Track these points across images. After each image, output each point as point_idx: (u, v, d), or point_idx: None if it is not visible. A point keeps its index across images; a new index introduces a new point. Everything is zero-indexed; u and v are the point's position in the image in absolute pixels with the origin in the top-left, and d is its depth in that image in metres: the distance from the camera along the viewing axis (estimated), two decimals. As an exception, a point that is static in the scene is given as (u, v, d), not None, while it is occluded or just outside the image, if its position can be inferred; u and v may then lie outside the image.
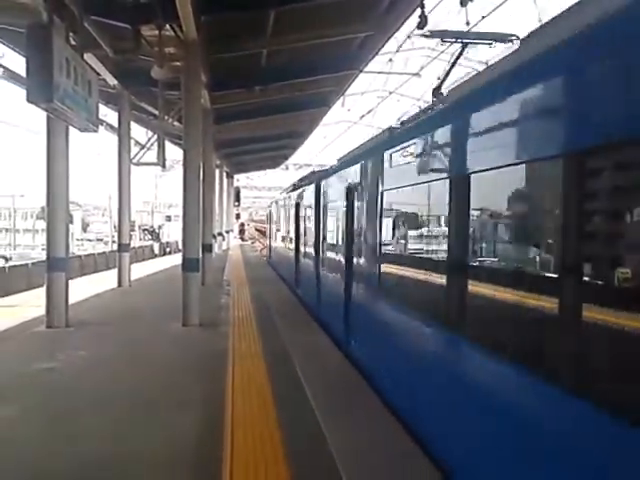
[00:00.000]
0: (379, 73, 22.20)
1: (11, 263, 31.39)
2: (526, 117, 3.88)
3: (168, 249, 49.51)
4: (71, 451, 5.15)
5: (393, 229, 6.98)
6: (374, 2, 13.55)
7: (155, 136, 16.70)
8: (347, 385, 7.25)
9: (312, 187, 13.54)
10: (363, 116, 26.83)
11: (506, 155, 4.02)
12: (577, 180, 3.28)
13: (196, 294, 11.40)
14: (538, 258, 3.83)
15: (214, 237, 25.67)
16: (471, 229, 4.66)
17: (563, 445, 3.28)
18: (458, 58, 7.58)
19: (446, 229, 5.12)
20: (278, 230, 23.84)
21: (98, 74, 12.85)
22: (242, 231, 65.62)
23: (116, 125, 18.00)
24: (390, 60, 20.62)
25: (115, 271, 17.88)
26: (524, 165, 3.89)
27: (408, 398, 5.89)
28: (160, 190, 73.06)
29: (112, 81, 15.80)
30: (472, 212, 4.60)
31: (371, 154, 8.21)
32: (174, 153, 34.19)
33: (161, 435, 5.56)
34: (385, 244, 7.19)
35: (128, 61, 14.85)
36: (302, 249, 15.76)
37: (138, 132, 21.33)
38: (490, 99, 4.44)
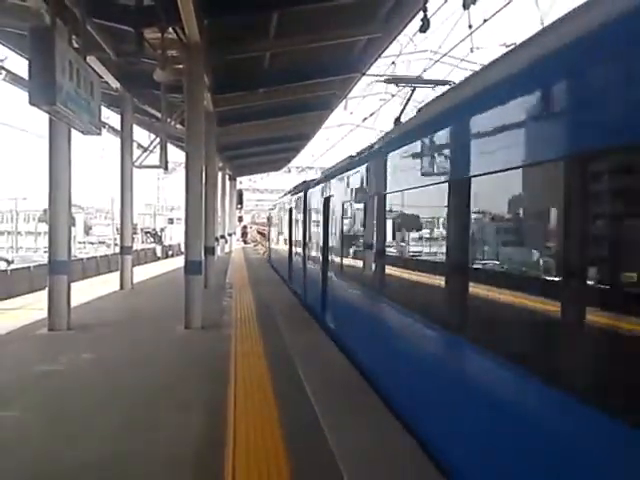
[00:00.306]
0: (381, 76, 22.19)
1: (13, 266, 31.43)
2: (424, 157, 5.82)
3: (170, 252, 49.54)
4: (72, 453, 5.13)
5: (349, 230, 9.65)
6: (377, 5, 13.57)
7: (157, 139, 16.70)
8: (348, 384, 7.23)
9: (301, 195, 15.81)
10: (366, 119, 26.81)
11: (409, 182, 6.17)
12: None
13: (198, 297, 11.39)
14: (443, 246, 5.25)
15: (216, 240, 25.69)
16: (380, 229, 7.45)
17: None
18: (410, 98, 9.80)
19: (372, 227, 7.81)
20: (275, 232, 26.67)
21: (101, 77, 12.87)
22: (244, 234, 65.61)
23: (119, 128, 18.03)
24: (393, 63, 20.64)
25: (117, 274, 17.89)
26: (418, 190, 5.89)
27: (359, 348, 8.47)
28: (162, 193, 73.22)
29: (115, 84, 15.83)
30: (386, 217, 7.17)
31: (336, 174, 10.88)
32: (176, 156, 34.26)
33: (163, 435, 5.56)
34: (346, 242, 9.82)
35: (131, 64, 14.86)
36: (293, 249, 18.29)
37: (140, 135, 21.42)
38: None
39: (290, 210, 19.22)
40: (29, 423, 5.94)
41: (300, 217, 16.30)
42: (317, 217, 12.97)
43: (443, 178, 5.09)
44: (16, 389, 7.14)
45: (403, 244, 6.66)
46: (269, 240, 32.18)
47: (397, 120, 9.33)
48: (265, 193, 77.28)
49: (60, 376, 7.72)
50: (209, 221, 18.46)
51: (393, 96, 23.68)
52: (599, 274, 3.15)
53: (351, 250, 9.51)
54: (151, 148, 17.24)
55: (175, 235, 61.31)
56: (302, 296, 15.30)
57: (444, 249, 5.09)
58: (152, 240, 57.23)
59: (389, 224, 7.16)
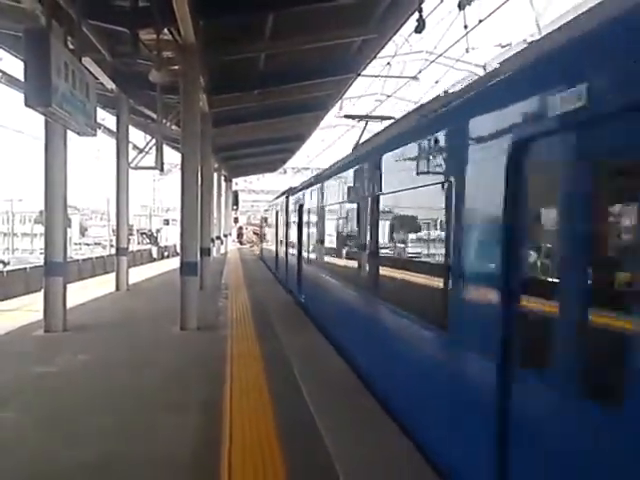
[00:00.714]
0: (377, 77, 22.22)
1: (9, 267, 31.38)
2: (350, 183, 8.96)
3: (166, 253, 49.53)
4: (68, 454, 5.15)
5: (311, 230, 13.33)
6: (372, 6, 13.59)
7: (153, 140, 16.70)
8: (344, 385, 7.25)
9: (284, 200, 19.75)
10: (361, 119, 26.79)
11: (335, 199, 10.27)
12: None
13: (194, 298, 11.40)
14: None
15: (212, 241, 25.66)
16: (324, 229, 11.67)
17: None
18: (363, 131, 12.28)
19: (321, 228, 11.90)
20: (264, 232, 32.92)
21: (96, 78, 12.88)
22: (240, 235, 65.51)
23: (114, 129, 18.02)
24: (388, 64, 20.65)
25: (113, 275, 17.88)
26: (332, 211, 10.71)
27: (321, 315, 11.60)
28: (158, 194, 73.11)
29: (110, 85, 15.82)
30: (327, 221, 11.40)
31: (306, 186, 14.60)
32: (172, 157, 34.22)
33: (160, 436, 5.57)
34: (310, 240, 13.50)
35: (126, 65, 14.86)
36: (278, 245, 22.31)
37: (136, 136, 21.38)
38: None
39: (276, 213, 23.37)
40: (25, 424, 5.94)
41: (282, 219, 20.42)
42: (294, 219, 16.58)
43: (357, 196, 8.36)
44: (12, 390, 7.15)
45: (339, 239, 10.27)
46: (261, 239, 37.35)
47: (355, 146, 11.29)
48: (261, 194, 77.21)
49: (56, 377, 7.72)
50: (205, 222, 18.45)
51: (389, 97, 23.73)
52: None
53: (312, 242, 13.26)
54: (147, 149, 17.23)
55: (171, 236, 61.28)
56: (283, 280, 19.74)
57: (359, 242, 8.18)
58: (148, 241, 57.18)
59: (330, 226, 11.08)
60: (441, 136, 5.00)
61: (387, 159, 6.79)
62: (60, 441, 5.48)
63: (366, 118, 13.21)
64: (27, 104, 8.10)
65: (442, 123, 5.12)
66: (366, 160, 7.88)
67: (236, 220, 62.42)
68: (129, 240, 19.95)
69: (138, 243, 56.57)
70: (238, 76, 17.73)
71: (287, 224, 18.90)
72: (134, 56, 12.73)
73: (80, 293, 15.84)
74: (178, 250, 14.63)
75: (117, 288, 17.19)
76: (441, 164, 5.03)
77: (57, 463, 4.97)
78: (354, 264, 8.50)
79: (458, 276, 4.46)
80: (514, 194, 3.62)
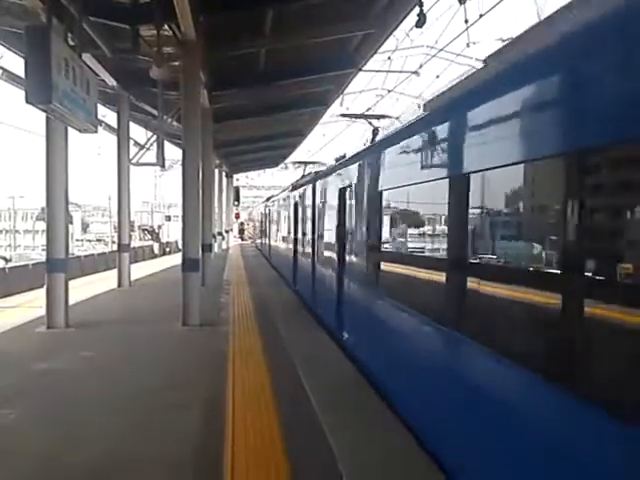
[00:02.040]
0: (378, 72, 22.17)
1: (11, 264, 31.41)
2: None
3: (168, 249, 49.52)
4: (72, 451, 5.17)
5: (279, 227, 20.60)
6: (372, 1, 13.54)
7: (154, 136, 16.67)
8: (347, 381, 7.25)
9: (266, 203, 28.36)
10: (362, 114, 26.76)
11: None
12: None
13: (196, 294, 11.40)
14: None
15: (214, 237, 25.65)
16: (289, 225, 18.48)
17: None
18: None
19: (285, 224, 19.55)
20: (262, 227, 35.77)
21: (97, 75, 12.85)
22: (242, 230, 65.49)
23: (115, 125, 18.01)
24: (389, 58, 20.60)
25: (115, 271, 17.90)
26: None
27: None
28: (159, 190, 73.16)
29: (111, 81, 15.81)
30: (295, 219, 16.94)
31: (276, 196, 24.07)
32: (173, 153, 34.14)
33: (163, 433, 5.59)
34: (279, 234, 21.36)
35: (127, 61, 14.84)
36: (271, 237, 27.46)
37: (137, 132, 21.35)
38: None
39: (269, 210, 28.64)
40: (28, 421, 5.96)
41: (266, 218, 28.94)
42: (273, 218, 26.03)
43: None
44: (15, 387, 7.16)
45: (301, 231, 14.31)
46: (260, 233, 39.10)
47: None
48: (262, 190, 77.18)
49: (59, 374, 7.74)
50: (206, 218, 18.46)
51: (389, 92, 23.69)
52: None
53: (279, 236, 21.22)
54: (148, 145, 17.20)
55: (172, 232, 61.31)
56: (269, 259, 28.10)
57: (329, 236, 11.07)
58: (149, 237, 57.17)
59: (296, 223, 16.20)
60: None
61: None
62: (62, 439, 5.49)
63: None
64: (28, 101, 8.10)
65: None
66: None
67: (237, 216, 62.39)
68: (131, 236, 19.97)
69: (140, 239, 56.59)
70: (239, 72, 17.70)
71: (270, 221, 27.35)
72: (134, 52, 12.69)
73: (82, 289, 15.86)
74: (180, 246, 14.63)
75: (119, 284, 17.21)
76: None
77: (59, 461, 4.99)
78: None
79: None
80: None
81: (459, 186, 4.70)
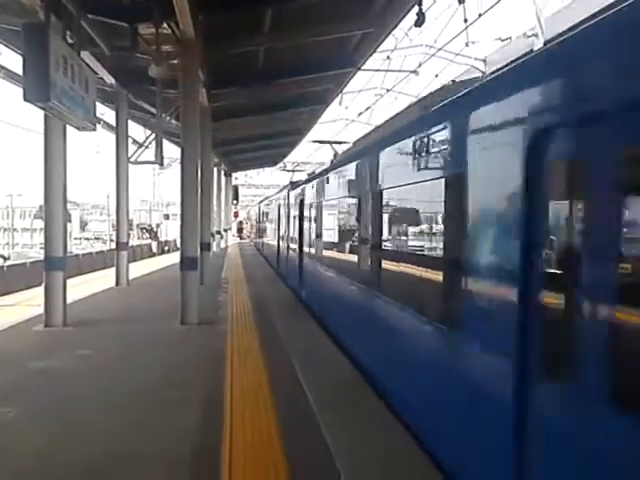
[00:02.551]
0: (377, 71, 22.16)
1: (9, 262, 31.38)
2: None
3: (166, 248, 49.50)
4: (70, 448, 5.17)
5: (266, 226, 29.17)
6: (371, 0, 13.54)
7: (153, 134, 16.66)
8: (345, 380, 7.24)
9: (258, 205, 35.63)
10: (361, 114, 26.77)
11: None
12: None
13: (194, 292, 11.40)
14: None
15: (212, 236, 25.65)
16: (273, 227, 25.02)
17: None
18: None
19: (271, 225, 26.19)
20: (257, 225, 40.63)
21: (95, 72, 12.83)
22: (240, 229, 65.49)
23: (114, 124, 17.99)
24: (388, 58, 20.58)
25: (113, 270, 17.89)
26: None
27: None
28: (158, 188, 73.07)
29: (110, 79, 15.79)
30: (277, 221, 22.95)
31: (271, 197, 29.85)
32: (172, 151, 34.17)
33: (161, 432, 5.58)
34: (267, 232, 28.50)
35: (125, 59, 14.83)
36: (263, 236, 32.69)
37: (136, 130, 21.33)
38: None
39: (262, 212, 33.18)
40: (26, 419, 5.95)
41: (257, 217, 35.46)
42: (262, 219, 33.04)
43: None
44: (13, 385, 7.15)
45: (280, 231, 20.29)
46: (257, 232, 43.64)
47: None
48: (261, 189, 77.13)
49: (57, 372, 7.73)
50: (205, 217, 18.46)
51: (388, 91, 23.67)
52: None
53: (267, 234, 27.75)
54: (146, 144, 17.18)
55: (171, 231, 61.26)
56: (260, 250, 34.04)
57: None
58: (148, 236, 57.15)
59: (278, 225, 21.38)
60: None
61: None
62: (60, 436, 5.49)
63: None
64: (26, 98, 8.09)
65: None
66: None
67: (236, 215, 62.37)
68: (129, 235, 19.95)
69: (138, 238, 56.57)
70: (237, 70, 17.70)
71: (261, 222, 34.93)
72: (133, 50, 12.68)
73: (80, 288, 15.85)
74: (178, 245, 14.61)
75: (117, 283, 17.20)
76: None
77: (57, 458, 4.99)
78: None
79: None
80: None
81: (361, 200, 7.97)
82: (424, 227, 5.63)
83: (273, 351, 8.84)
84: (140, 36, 12.49)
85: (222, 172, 40.69)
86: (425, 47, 20.24)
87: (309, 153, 52.35)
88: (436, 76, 21.41)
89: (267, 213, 28.92)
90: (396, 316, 6.17)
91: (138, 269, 22.10)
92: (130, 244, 22.32)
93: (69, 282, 11.32)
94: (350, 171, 8.99)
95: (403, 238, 6.40)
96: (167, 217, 68.20)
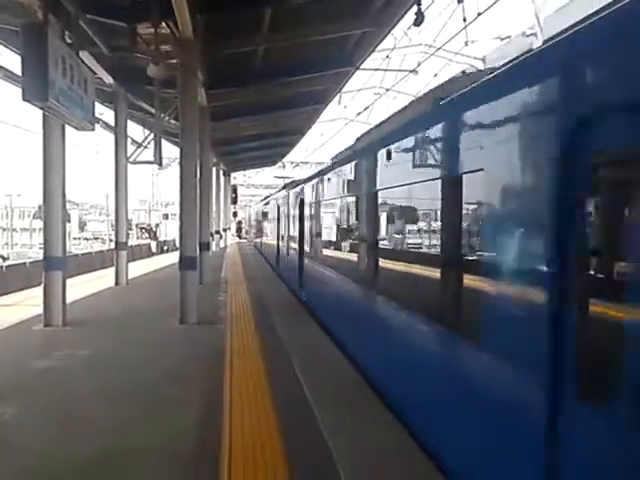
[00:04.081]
0: (376, 70, 22.15)
1: (9, 262, 31.37)
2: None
3: (165, 247, 49.53)
4: (68, 448, 5.17)
5: (261, 226, 32.46)
6: (370, -1, 13.55)
7: (152, 134, 16.67)
8: (343, 380, 7.24)
9: (262, 204, 33.50)
10: (360, 113, 26.77)
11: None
12: None
13: (193, 292, 11.40)
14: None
15: (211, 235, 25.67)
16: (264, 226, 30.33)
17: None
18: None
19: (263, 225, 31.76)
20: (257, 226, 41.14)
21: (94, 72, 12.81)
22: (239, 229, 65.52)
23: (113, 123, 17.99)
24: (387, 57, 20.57)
25: (112, 270, 17.89)
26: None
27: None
28: (157, 188, 73.00)
29: (108, 79, 15.78)
30: (266, 222, 29.35)
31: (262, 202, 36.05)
32: (171, 151, 34.16)
33: (158, 432, 5.58)
34: (262, 231, 32.28)
35: (124, 59, 14.83)
36: (262, 235, 33.05)
37: (135, 130, 21.33)
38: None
39: (261, 213, 34.00)
40: (26, 419, 5.95)
41: (257, 218, 35.94)
42: (258, 219, 36.89)
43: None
44: (12, 385, 7.16)
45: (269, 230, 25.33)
46: (256, 231, 45.69)
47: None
48: (260, 188, 77.10)
49: (56, 372, 7.74)
50: (204, 216, 18.46)
51: (387, 90, 23.67)
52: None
53: (264, 231, 30.00)
54: (145, 144, 17.20)
55: (170, 231, 61.24)
56: (263, 254, 31.30)
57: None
58: (147, 236, 57.20)
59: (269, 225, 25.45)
60: None
61: None
62: (60, 435, 5.49)
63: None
64: (25, 98, 8.09)
65: None
66: None
67: (235, 214, 62.40)
68: (128, 235, 19.95)
69: (137, 238, 56.57)
70: (236, 70, 17.69)
71: (257, 222, 37.65)
72: (132, 50, 12.70)
73: (79, 288, 15.85)
74: (177, 244, 14.62)
75: (116, 283, 17.19)
76: None
77: (56, 458, 4.99)
78: None
79: None
80: None
81: (337, 203, 10.09)
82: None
83: (272, 351, 8.84)
84: (139, 36, 12.49)
85: (221, 172, 40.69)
86: (424, 46, 20.25)
87: (309, 153, 52.41)
88: (435, 75, 21.40)
89: (266, 213, 29.22)
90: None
91: (137, 269, 22.09)
92: (129, 244, 22.32)
93: (68, 282, 11.32)
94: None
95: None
96: (166, 217, 68.17)
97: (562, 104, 3.20)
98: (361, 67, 18.61)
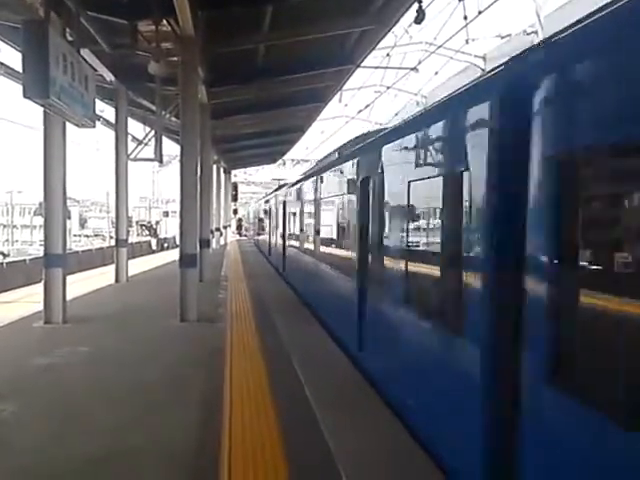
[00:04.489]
0: (376, 68, 22.16)
1: (9, 259, 31.39)
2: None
3: (166, 245, 49.52)
4: (67, 447, 5.18)
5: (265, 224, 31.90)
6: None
7: (152, 131, 16.67)
8: (344, 379, 7.25)
9: (261, 204, 35.02)
10: (360, 111, 26.81)
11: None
12: None
13: (194, 290, 11.41)
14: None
15: (212, 232, 25.69)
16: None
17: None
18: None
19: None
20: (254, 225, 44.00)
21: (95, 70, 12.83)
22: (240, 227, 65.52)
23: (113, 121, 17.99)
24: (387, 55, 20.58)
25: (113, 267, 17.90)
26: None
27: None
28: (157, 186, 73.01)
29: (109, 77, 15.78)
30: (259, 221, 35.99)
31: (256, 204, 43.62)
32: (171, 149, 34.18)
33: (159, 431, 5.58)
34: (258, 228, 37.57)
35: (125, 57, 14.83)
36: (260, 232, 34.63)
37: (135, 128, 21.33)
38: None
39: (252, 212, 40.05)
40: (26, 417, 5.96)
41: (262, 215, 33.38)
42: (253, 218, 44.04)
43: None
44: (12, 382, 7.16)
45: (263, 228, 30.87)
46: (255, 229, 47.84)
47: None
48: (260, 186, 77.08)
49: (57, 369, 7.74)
50: (204, 214, 18.46)
51: (388, 88, 23.68)
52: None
53: (259, 228, 34.98)
54: (146, 141, 17.19)
55: (170, 228, 61.28)
56: (260, 249, 33.60)
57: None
58: (147, 233, 57.16)
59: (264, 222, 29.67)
60: None
61: None
62: (60, 432, 5.50)
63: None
64: (25, 95, 8.09)
65: None
66: None
67: (235, 212, 62.39)
68: (128, 232, 19.96)
69: (137, 235, 56.55)
70: (237, 68, 17.69)
71: (254, 220, 41.15)
72: (133, 48, 12.69)
73: (80, 285, 15.86)
74: (177, 242, 14.62)
75: (117, 280, 17.21)
76: None
77: (55, 457, 4.99)
78: None
79: None
80: None
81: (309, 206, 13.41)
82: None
83: (272, 349, 8.85)
84: (140, 33, 12.49)
85: (221, 169, 40.69)
86: (425, 44, 20.26)
87: (309, 151, 52.39)
88: (436, 73, 21.43)
89: (267, 210, 30.88)
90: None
91: (137, 266, 22.10)
92: (129, 241, 22.33)
93: (69, 279, 11.33)
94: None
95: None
96: (166, 214, 68.21)
97: None
98: (362, 65, 18.61)
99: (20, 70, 8.82)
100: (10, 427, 5.67)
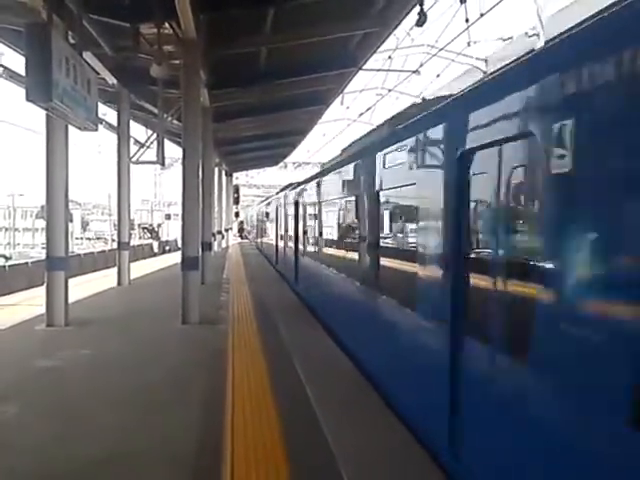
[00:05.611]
0: (378, 71, 22.19)
1: (11, 262, 31.43)
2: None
3: (167, 247, 49.59)
4: (69, 449, 5.18)
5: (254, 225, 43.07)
6: (373, -1, 13.55)
7: (154, 134, 16.69)
8: (345, 379, 7.25)
9: (258, 208, 40.56)
10: (362, 114, 26.81)
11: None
12: None
13: (195, 292, 11.42)
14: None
15: (213, 235, 25.70)
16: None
17: None
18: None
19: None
20: (255, 227, 46.00)
21: (97, 73, 12.83)
22: (241, 229, 65.57)
23: (115, 124, 18.01)
24: (389, 57, 20.60)
25: (115, 270, 17.91)
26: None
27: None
28: (159, 188, 73.09)
29: (111, 80, 15.80)
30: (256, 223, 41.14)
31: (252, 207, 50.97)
32: (173, 151, 34.21)
33: (161, 433, 5.59)
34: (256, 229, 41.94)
35: (127, 60, 14.84)
36: (260, 234, 36.09)
37: (137, 131, 21.35)
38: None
39: (252, 215, 42.99)
40: (28, 419, 5.96)
41: (261, 219, 34.94)
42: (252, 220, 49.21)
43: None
44: (15, 385, 7.17)
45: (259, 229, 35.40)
46: (256, 232, 49.12)
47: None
48: (262, 189, 77.15)
49: (59, 372, 7.75)
50: (206, 217, 18.47)
51: (390, 91, 23.69)
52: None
53: (260, 231, 36.03)
54: (148, 144, 17.22)
55: (172, 231, 61.34)
56: (259, 248, 36.40)
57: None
58: (149, 236, 57.23)
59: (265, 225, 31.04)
60: None
61: None
62: (62, 434, 5.51)
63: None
64: (28, 99, 8.10)
65: None
66: None
67: (237, 214, 62.44)
68: (130, 235, 19.97)
69: (139, 238, 56.63)
70: (239, 70, 17.70)
71: (259, 222, 39.23)
72: (135, 51, 12.71)
73: (82, 287, 15.87)
74: (179, 244, 14.63)
75: (119, 283, 17.22)
76: None
77: (57, 458, 5.00)
78: None
79: None
80: None
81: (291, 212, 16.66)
82: None
83: (274, 351, 8.85)
84: (142, 36, 12.51)
85: (223, 172, 40.72)
86: (427, 47, 20.28)
87: (311, 153, 52.42)
88: (437, 76, 21.43)
89: (269, 213, 30.23)
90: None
91: (139, 269, 22.11)
92: (131, 244, 22.34)
93: (71, 282, 11.35)
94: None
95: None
96: (168, 217, 68.30)
97: None
98: (363, 68, 18.62)
99: (23, 73, 8.83)
100: (12, 428, 5.68)
